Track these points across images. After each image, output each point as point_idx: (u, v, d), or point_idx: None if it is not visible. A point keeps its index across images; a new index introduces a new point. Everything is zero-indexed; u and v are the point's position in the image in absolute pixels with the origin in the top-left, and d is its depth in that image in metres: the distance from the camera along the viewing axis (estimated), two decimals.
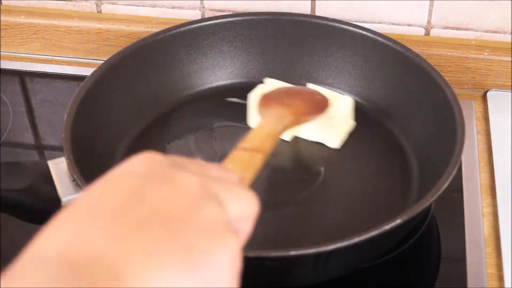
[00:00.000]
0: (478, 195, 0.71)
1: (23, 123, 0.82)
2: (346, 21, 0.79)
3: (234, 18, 0.80)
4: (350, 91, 0.79)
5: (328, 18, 0.80)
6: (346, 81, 0.80)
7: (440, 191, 0.59)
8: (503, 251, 0.65)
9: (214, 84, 0.82)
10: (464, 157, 0.74)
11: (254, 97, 0.74)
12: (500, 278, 0.63)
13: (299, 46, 0.81)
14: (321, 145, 0.74)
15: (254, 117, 0.74)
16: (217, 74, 0.81)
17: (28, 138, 0.81)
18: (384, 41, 0.76)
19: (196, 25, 0.79)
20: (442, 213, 0.70)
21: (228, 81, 0.82)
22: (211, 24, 0.80)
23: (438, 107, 0.70)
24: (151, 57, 0.78)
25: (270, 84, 0.75)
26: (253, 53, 0.81)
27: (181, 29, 0.79)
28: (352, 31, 0.78)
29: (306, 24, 0.80)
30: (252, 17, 0.80)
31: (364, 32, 0.77)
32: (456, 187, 0.71)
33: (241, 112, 0.77)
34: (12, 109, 0.83)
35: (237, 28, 0.80)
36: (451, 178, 0.60)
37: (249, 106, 0.75)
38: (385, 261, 0.65)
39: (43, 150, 0.80)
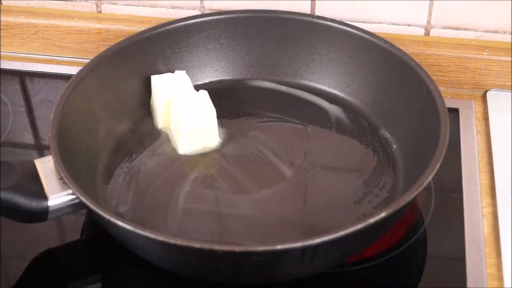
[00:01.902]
0: (478, 195, 0.71)
1: (23, 123, 0.82)
2: (330, 18, 0.79)
3: (219, 16, 0.81)
4: (335, 87, 0.80)
5: (312, 15, 0.81)
6: (331, 77, 0.80)
7: (424, 184, 0.60)
8: (503, 251, 0.65)
9: (200, 82, 0.82)
10: (464, 157, 0.74)
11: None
12: (500, 278, 0.63)
13: (284, 43, 0.81)
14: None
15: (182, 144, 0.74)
16: (203, 72, 0.82)
17: (28, 138, 0.81)
18: (368, 37, 0.77)
19: (181, 23, 0.80)
20: (442, 213, 0.70)
21: (214, 79, 0.82)
22: (196, 22, 0.80)
23: (422, 102, 0.70)
24: (137, 55, 0.78)
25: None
26: (238, 50, 0.82)
27: (167, 27, 0.79)
28: (336, 28, 0.79)
29: (291, 21, 0.80)
30: (237, 15, 0.81)
31: (348, 29, 0.78)
32: (456, 187, 0.71)
33: (227, 109, 0.77)
34: (12, 109, 0.83)
35: (222, 26, 0.81)
36: (435, 171, 0.61)
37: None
38: (385, 261, 0.65)
39: (43, 150, 0.80)
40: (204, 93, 0.75)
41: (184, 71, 0.78)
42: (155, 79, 0.76)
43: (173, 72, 0.79)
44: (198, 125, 0.73)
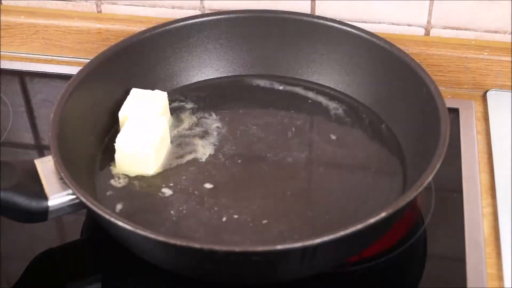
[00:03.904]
0: (478, 195, 0.71)
1: (23, 123, 0.82)
2: (331, 18, 0.79)
3: (219, 16, 0.81)
4: (335, 87, 0.80)
5: (313, 15, 0.82)
6: (331, 77, 0.80)
7: (424, 184, 0.60)
8: (503, 251, 0.65)
9: (201, 81, 0.82)
10: (464, 157, 0.74)
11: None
12: (500, 278, 0.63)
13: (284, 43, 0.81)
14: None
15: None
16: (203, 71, 0.82)
17: (28, 138, 0.81)
18: (368, 37, 0.77)
19: (181, 23, 0.80)
20: (442, 213, 0.70)
21: (215, 79, 0.82)
22: (196, 22, 0.80)
23: (422, 102, 0.70)
24: (138, 55, 0.78)
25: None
26: (238, 50, 0.82)
27: (167, 27, 0.79)
28: (336, 28, 0.79)
29: (291, 21, 0.80)
30: (237, 15, 0.81)
31: (348, 29, 0.78)
32: (456, 187, 0.71)
33: (227, 108, 0.78)
34: (12, 109, 0.83)
35: (222, 26, 0.81)
36: (435, 171, 0.61)
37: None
38: (385, 261, 0.65)
39: (43, 150, 0.80)
40: (162, 121, 0.72)
41: (166, 93, 0.76)
42: (132, 93, 0.75)
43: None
44: (130, 150, 0.70)
